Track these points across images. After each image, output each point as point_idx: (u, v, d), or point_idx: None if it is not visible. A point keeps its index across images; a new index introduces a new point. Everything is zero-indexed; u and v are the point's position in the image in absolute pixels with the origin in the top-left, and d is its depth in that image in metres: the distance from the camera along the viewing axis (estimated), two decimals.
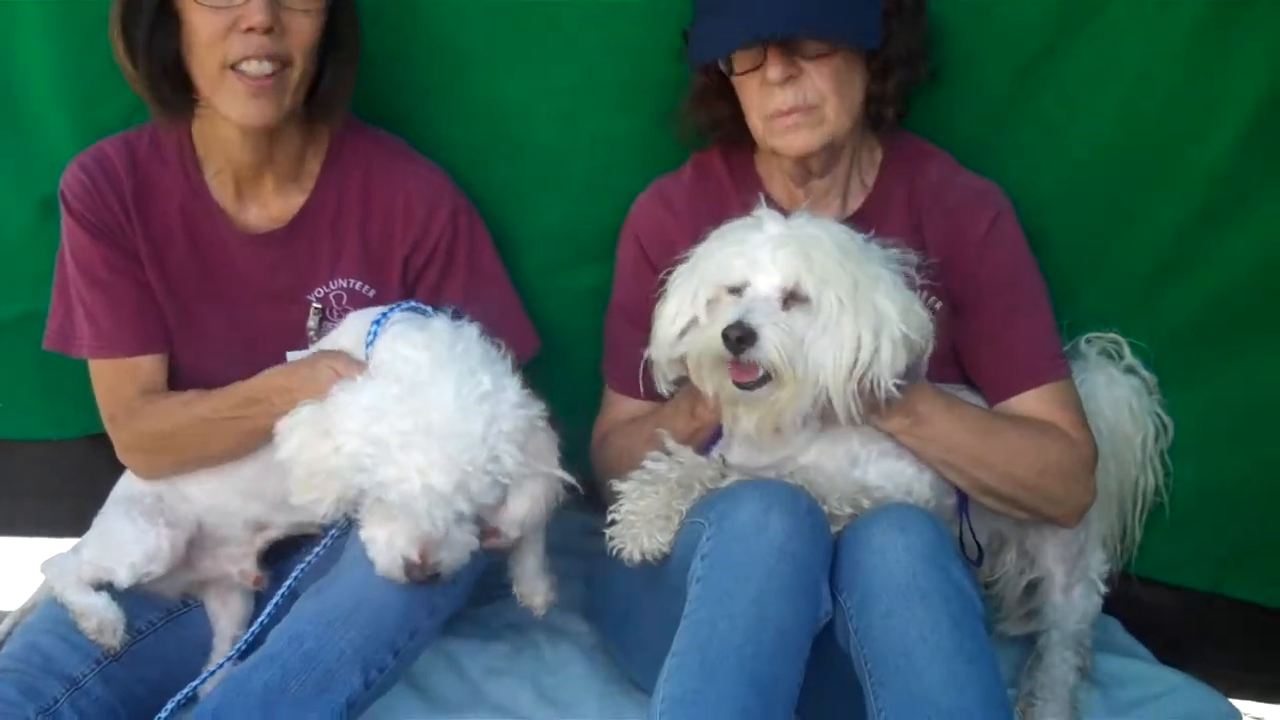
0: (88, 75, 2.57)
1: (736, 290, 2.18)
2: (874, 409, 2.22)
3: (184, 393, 2.43)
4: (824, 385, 2.14)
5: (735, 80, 2.37)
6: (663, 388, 2.32)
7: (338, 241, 2.48)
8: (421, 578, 2.08)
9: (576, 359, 2.69)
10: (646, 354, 2.29)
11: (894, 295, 2.17)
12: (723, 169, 2.56)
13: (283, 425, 2.13)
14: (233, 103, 2.28)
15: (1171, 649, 2.81)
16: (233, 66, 2.24)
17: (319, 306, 2.49)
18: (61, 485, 3.00)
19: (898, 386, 2.17)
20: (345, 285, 2.49)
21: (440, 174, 2.55)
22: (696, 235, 2.30)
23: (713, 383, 2.21)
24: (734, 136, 2.50)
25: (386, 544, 2.08)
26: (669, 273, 2.30)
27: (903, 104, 2.45)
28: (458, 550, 2.10)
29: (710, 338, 2.15)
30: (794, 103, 2.31)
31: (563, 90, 2.67)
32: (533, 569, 2.34)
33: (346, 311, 2.47)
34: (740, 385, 2.15)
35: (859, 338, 2.13)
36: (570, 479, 2.20)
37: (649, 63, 2.60)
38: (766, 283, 2.15)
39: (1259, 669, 2.95)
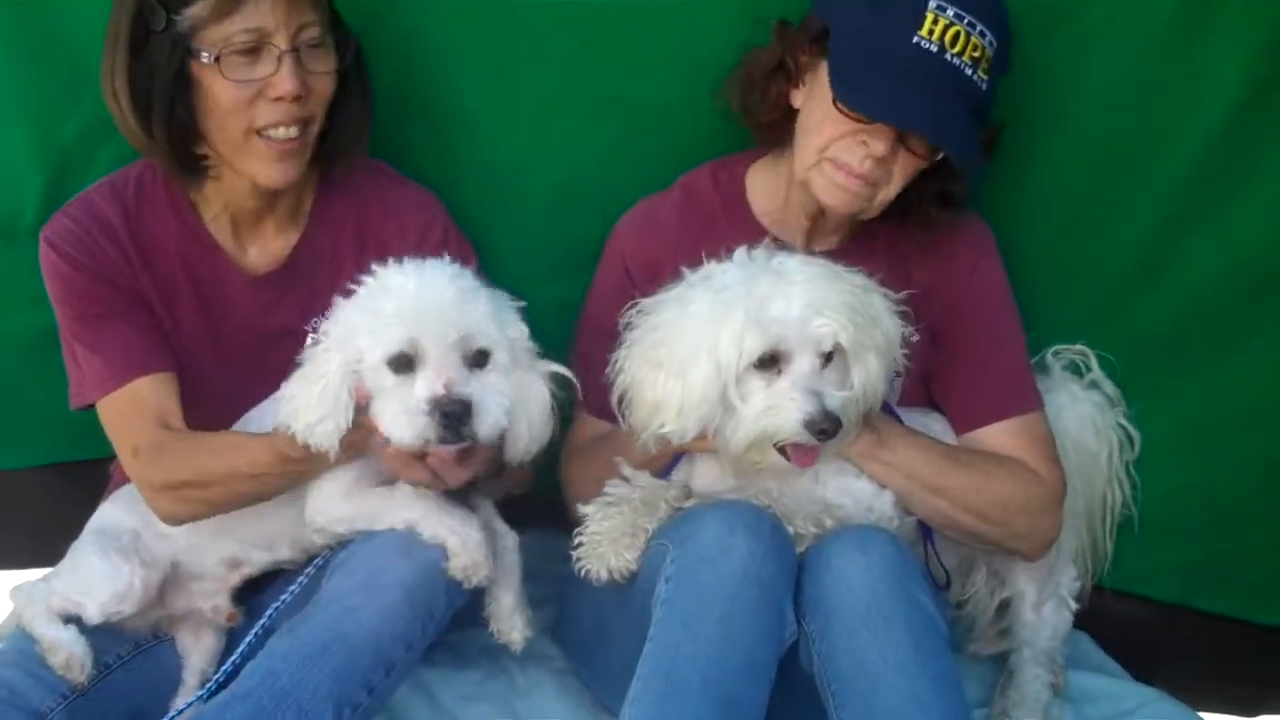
0: (45, 92, 2.56)
1: (767, 363, 2.13)
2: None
3: (211, 437, 2.37)
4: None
5: (825, 105, 2.30)
6: (652, 449, 2.26)
7: (335, 273, 2.46)
8: (452, 408, 2.06)
9: None
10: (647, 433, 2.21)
11: (889, 334, 2.19)
12: (711, 191, 2.56)
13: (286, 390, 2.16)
14: (259, 166, 2.30)
15: (1143, 662, 2.83)
16: (258, 131, 2.26)
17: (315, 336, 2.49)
18: (19, 516, 2.99)
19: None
20: None
21: (429, 194, 2.57)
22: (683, 259, 2.28)
23: (755, 456, 2.17)
24: (769, 133, 2.49)
25: (401, 405, 2.09)
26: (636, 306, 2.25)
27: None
28: (490, 404, 2.10)
29: (781, 429, 2.11)
30: (865, 171, 2.29)
31: (532, 103, 2.68)
32: (509, 606, 2.35)
33: None
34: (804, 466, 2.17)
35: (881, 369, 2.16)
36: (560, 368, 2.22)
37: (619, 76, 2.61)
38: (807, 358, 2.12)
39: (1230, 680, 2.95)
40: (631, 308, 2.24)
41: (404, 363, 2.11)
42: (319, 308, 2.43)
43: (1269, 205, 2.57)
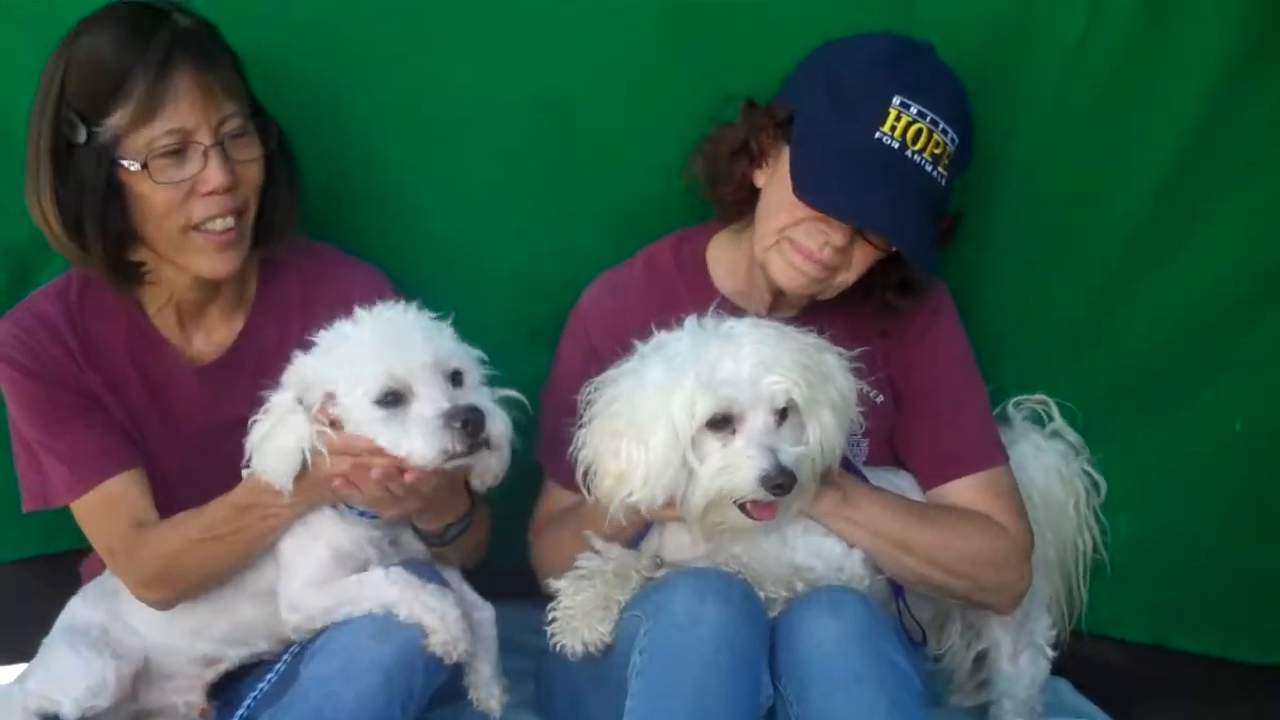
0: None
1: (719, 424, 2.16)
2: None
3: (173, 518, 2.39)
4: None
5: (786, 190, 2.32)
6: (622, 520, 2.26)
7: (283, 356, 2.46)
8: (469, 415, 2.11)
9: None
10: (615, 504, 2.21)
11: (844, 392, 2.20)
12: (672, 264, 2.58)
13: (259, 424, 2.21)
14: (201, 260, 2.31)
15: (1120, 703, 2.83)
16: (195, 227, 2.27)
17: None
18: None
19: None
20: None
21: (377, 272, 2.57)
22: (647, 327, 2.30)
23: (716, 517, 2.20)
24: (732, 208, 2.51)
25: (416, 426, 2.12)
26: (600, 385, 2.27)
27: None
28: (493, 410, 2.18)
29: (737, 488, 2.13)
30: (824, 257, 2.32)
31: (485, 182, 2.70)
32: (486, 675, 2.36)
33: None
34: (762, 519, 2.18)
35: (836, 426, 2.17)
36: (514, 392, 2.25)
37: (572, 154, 2.64)
38: (760, 415, 2.14)
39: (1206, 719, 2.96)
40: (589, 386, 2.26)
41: (392, 398, 2.14)
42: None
43: (1215, 256, 2.62)
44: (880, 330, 2.47)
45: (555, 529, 2.54)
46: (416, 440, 2.11)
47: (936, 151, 2.26)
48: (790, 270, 2.35)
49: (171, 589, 2.38)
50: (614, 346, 2.37)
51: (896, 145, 2.25)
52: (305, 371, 2.21)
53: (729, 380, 2.13)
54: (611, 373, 2.25)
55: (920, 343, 2.48)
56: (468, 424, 2.11)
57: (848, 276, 2.36)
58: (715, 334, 2.19)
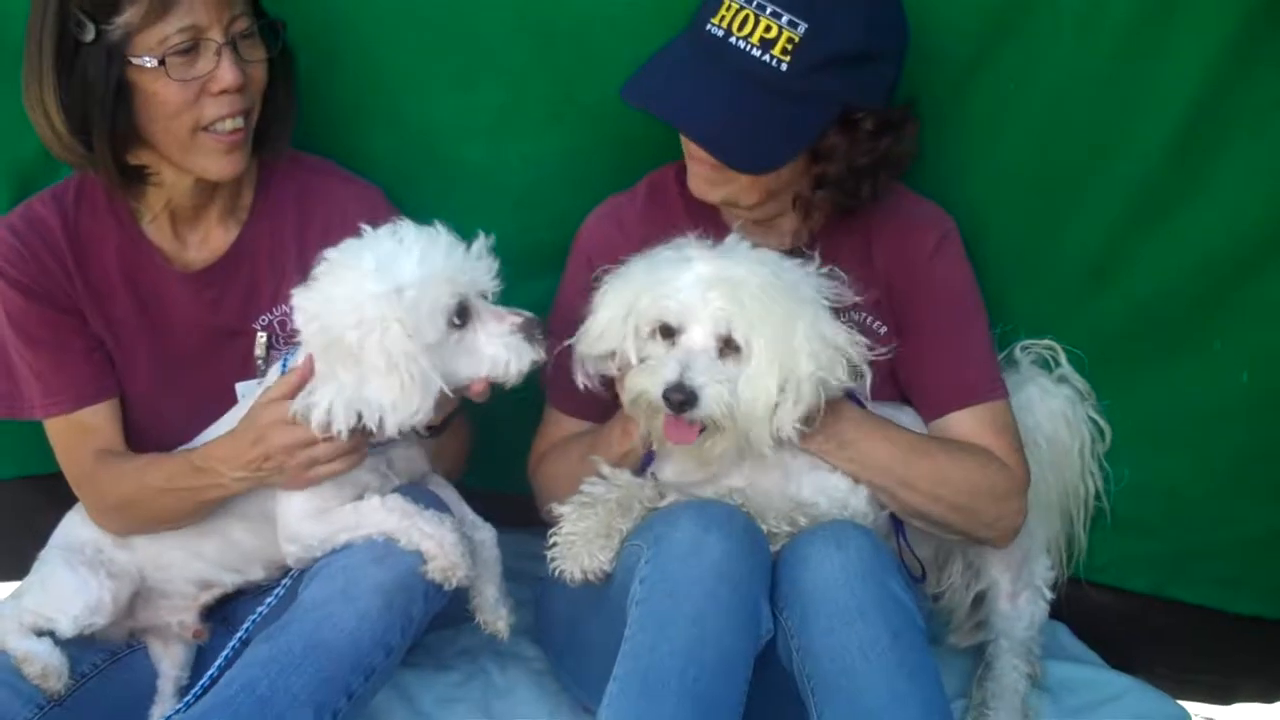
0: (6, 113, 2.51)
1: (669, 332, 2.18)
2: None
3: (139, 457, 2.42)
4: (753, 430, 2.16)
5: None
6: (581, 382, 2.32)
7: (277, 268, 2.48)
8: (539, 322, 2.21)
9: None
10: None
11: (810, 336, 2.16)
12: (675, 189, 2.55)
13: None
14: (208, 161, 2.30)
15: (1118, 651, 2.84)
16: (204, 127, 2.26)
17: (264, 333, 2.49)
18: None
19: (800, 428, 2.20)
20: (288, 311, 2.46)
21: (373, 189, 2.56)
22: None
23: (645, 423, 2.24)
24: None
25: (503, 337, 2.17)
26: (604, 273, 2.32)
27: (847, 196, 2.38)
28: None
29: (648, 390, 2.16)
30: (702, 159, 2.32)
31: (490, 108, 2.68)
32: (492, 597, 2.36)
33: (292, 336, 2.46)
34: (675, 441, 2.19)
35: (779, 383, 2.15)
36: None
37: (577, 81, 2.61)
38: (702, 333, 2.15)
39: (1206, 670, 2.96)
40: (603, 270, 2.31)
41: (463, 314, 2.15)
42: (261, 304, 2.47)
43: (1228, 206, 2.58)
44: (880, 234, 2.46)
45: (556, 457, 2.53)
46: (503, 354, 2.16)
47: (768, 36, 2.20)
48: (695, 182, 2.38)
49: (127, 524, 2.41)
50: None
51: (720, 33, 2.23)
52: (342, 302, 2.13)
53: (676, 290, 2.16)
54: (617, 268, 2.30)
55: (923, 272, 2.45)
56: (541, 332, 2.18)
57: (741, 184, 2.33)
58: (700, 248, 2.22)
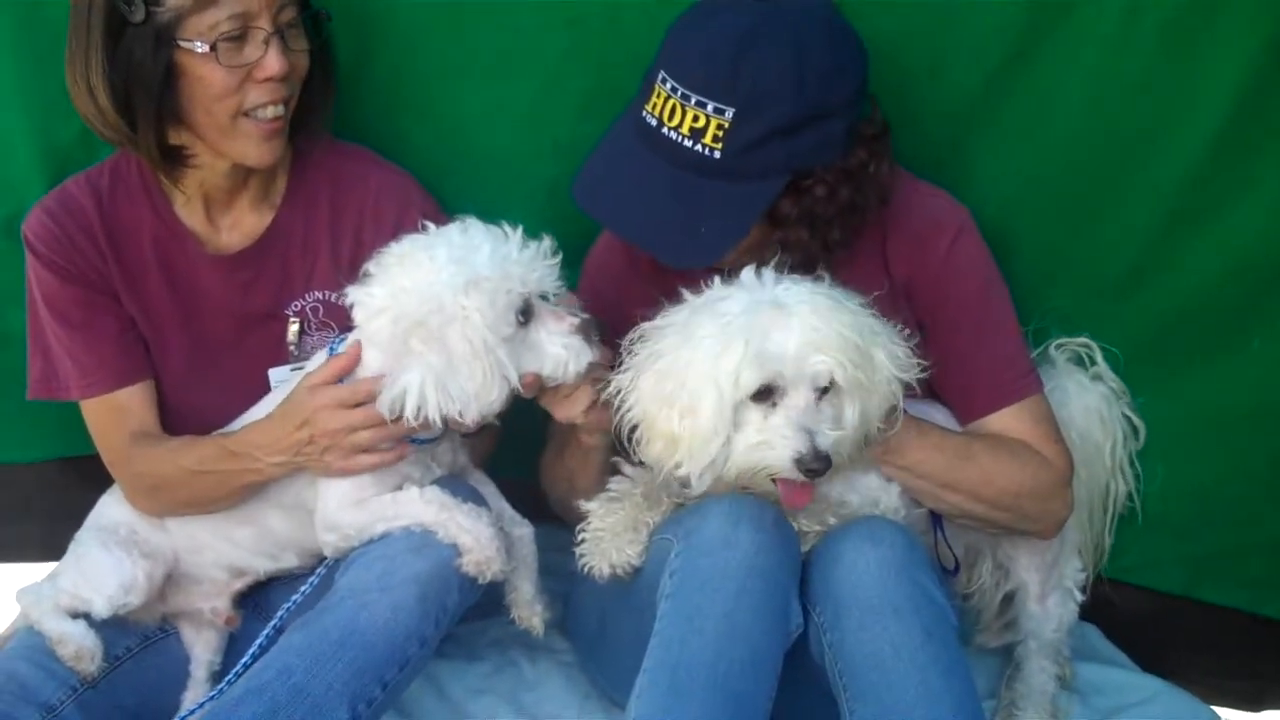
0: (46, 95, 2.56)
1: (764, 394, 2.10)
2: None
3: (174, 439, 2.43)
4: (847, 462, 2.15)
5: None
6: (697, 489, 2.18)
7: (310, 254, 2.50)
8: (593, 321, 2.22)
9: None
10: (673, 468, 2.16)
11: (889, 347, 2.15)
12: None
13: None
14: (248, 147, 2.31)
15: (1148, 654, 2.83)
16: (245, 113, 2.27)
17: (297, 320, 2.50)
18: (32, 509, 3.00)
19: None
20: (321, 297, 2.51)
21: (407, 176, 2.57)
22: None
23: (753, 484, 2.16)
24: None
25: (562, 338, 2.17)
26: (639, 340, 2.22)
27: (821, 248, 2.31)
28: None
29: (772, 465, 2.09)
30: None
31: (524, 97, 2.68)
32: (528, 594, 2.38)
33: (324, 324, 2.50)
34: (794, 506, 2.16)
35: (876, 407, 2.14)
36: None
37: (610, 69, 2.59)
38: (803, 392, 2.09)
39: (1237, 675, 2.95)
40: (634, 333, 2.21)
41: (526, 312, 2.16)
42: (294, 290, 2.48)
43: (1270, 205, 2.56)
44: (893, 236, 2.42)
45: (551, 449, 2.55)
46: (564, 353, 2.17)
47: (696, 126, 2.17)
48: None
49: (161, 505, 2.43)
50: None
51: (654, 123, 2.22)
52: (420, 289, 2.14)
53: (776, 354, 2.07)
54: (658, 323, 2.19)
55: (940, 273, 2.41)
56: (596, 332, 2.18)
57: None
58: (768, 299, 2.12)
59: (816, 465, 2.05)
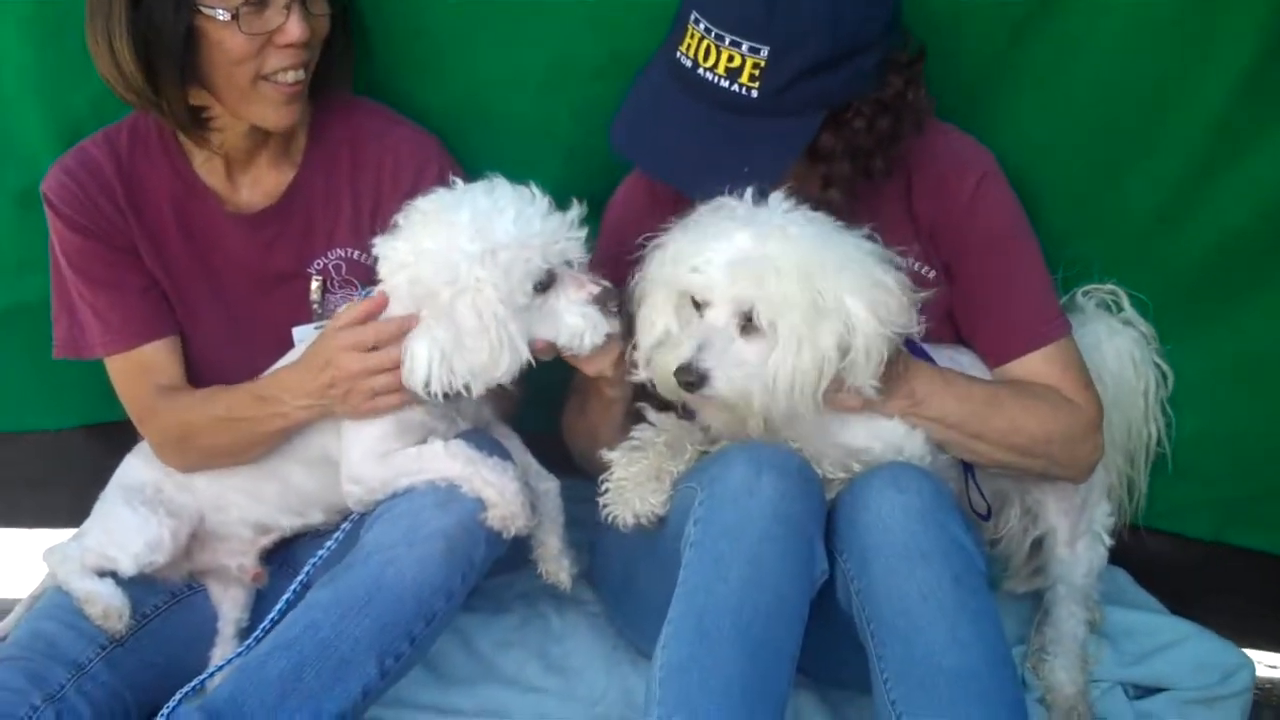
0: (57, 64, 2.55)
1: (700, 306, 2.15)
2: (869, 399, 2.19)
3: (201, 390, 2.44)
4: (786, 404, 2.12)
5: None
6: (646, 377, 2.25)
7: (331, 212, 2.49)
8: (613, 292, 2.20)
9: None
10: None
11: (864, 293, 2.11)
12: None
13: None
14: (267, 110, 2.31)
15: (1179, 598, 2.81)
16: (265, 77, 2.26)
17: (319, 278, 2.50)
18: (59, 475, 3.01)
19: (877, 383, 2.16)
20: (343, 255, 2.50)
21: (426, 134, 2.55)
22: (681, 204, 2.27)
23: (676, 397, 2.20)
24: None
25: (580, 307, 2.17)
26: (647, 244, 2.27)
27: (863, 175, 2.32)
28: None
29: (664, 371, 2.14)
30: None
31: (541, 60, 2.65)
32: (555, 548, 2.38)
33: (347, 281, 2.50)
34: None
35: (823, 357, 2.10)
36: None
37: (627, 33, 2.56)
38: (723, 312, 2.12)
39: (1268, 617, 2.93)
40: (647, 238, 2.25)
41: (548, 279, 2.15)
42: (315, 248, 2.48)
43: None
44: (917, 179, 2.40)
45: (573, 403, 2.55)
46: (579, 324, 2.16)
47: (732, 66, 2.16)
48: None
49: (188, 457, 2.43)
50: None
51: (689, 64, 2.20)
52: (435, 256, 2.14)
53: (706, 264, 2.11)
54: (667, 228, 2.24)
55: (965, 217, 2.38)
56: (615, 304, 2.16)
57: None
58: (737, 212, 2.16)
59: (690, 379, 2.08)
